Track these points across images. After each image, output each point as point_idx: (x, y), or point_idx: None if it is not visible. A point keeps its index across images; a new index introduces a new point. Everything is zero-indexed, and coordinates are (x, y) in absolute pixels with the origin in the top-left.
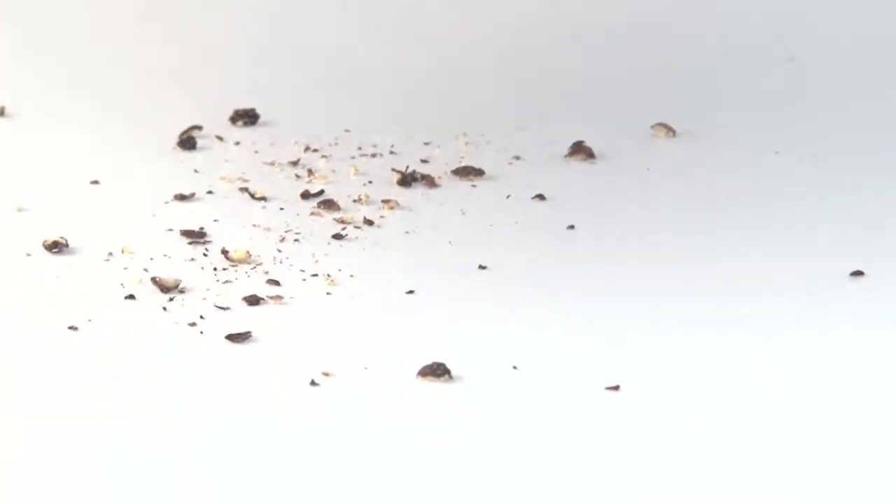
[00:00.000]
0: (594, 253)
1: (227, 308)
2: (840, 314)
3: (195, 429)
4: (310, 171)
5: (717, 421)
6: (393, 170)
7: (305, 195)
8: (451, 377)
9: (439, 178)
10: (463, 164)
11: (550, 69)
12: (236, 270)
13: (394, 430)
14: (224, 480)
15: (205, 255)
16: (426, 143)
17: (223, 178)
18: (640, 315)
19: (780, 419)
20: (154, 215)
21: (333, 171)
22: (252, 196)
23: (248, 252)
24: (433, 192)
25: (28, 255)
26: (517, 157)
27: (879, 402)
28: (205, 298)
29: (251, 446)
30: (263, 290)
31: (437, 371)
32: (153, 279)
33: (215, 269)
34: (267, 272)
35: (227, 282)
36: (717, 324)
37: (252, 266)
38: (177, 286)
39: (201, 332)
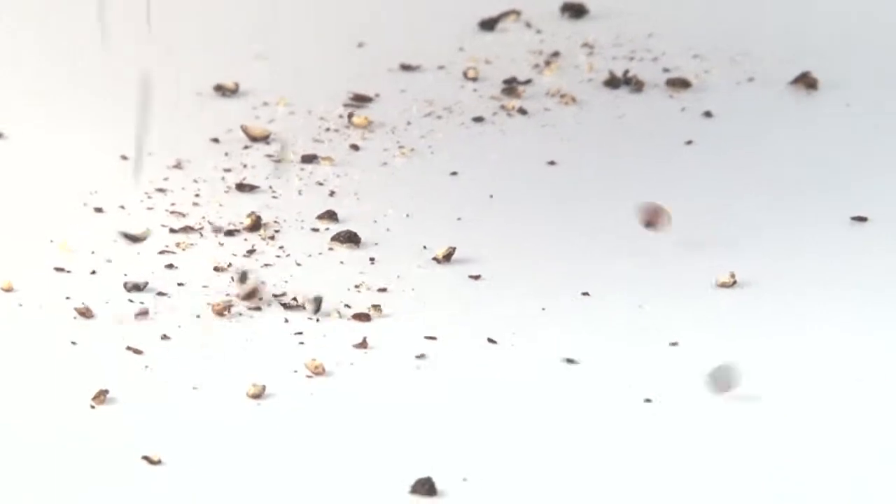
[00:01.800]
0: (681, 177)
1: (280, 161)
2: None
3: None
4: (547, 63)
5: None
6: (610, 71)
7: (509, 81)
8: (357, 245)
9: (655, 86)
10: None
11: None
12: (337, 136)
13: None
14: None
15: (327, 130)
16: (695, 56)
17: (441, 67)
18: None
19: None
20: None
21: (576, 66)
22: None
23: (367, 118)
24: (630, 96)
25: (198, 94)
26: (751, 79)
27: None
28: (272, 152)
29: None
30: (334, 154)
31: (341, 237)
32: (242, 126)
33: (321, 133)
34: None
35: (317, 140)
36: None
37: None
38: (265, 137)
39: (222, 178)
